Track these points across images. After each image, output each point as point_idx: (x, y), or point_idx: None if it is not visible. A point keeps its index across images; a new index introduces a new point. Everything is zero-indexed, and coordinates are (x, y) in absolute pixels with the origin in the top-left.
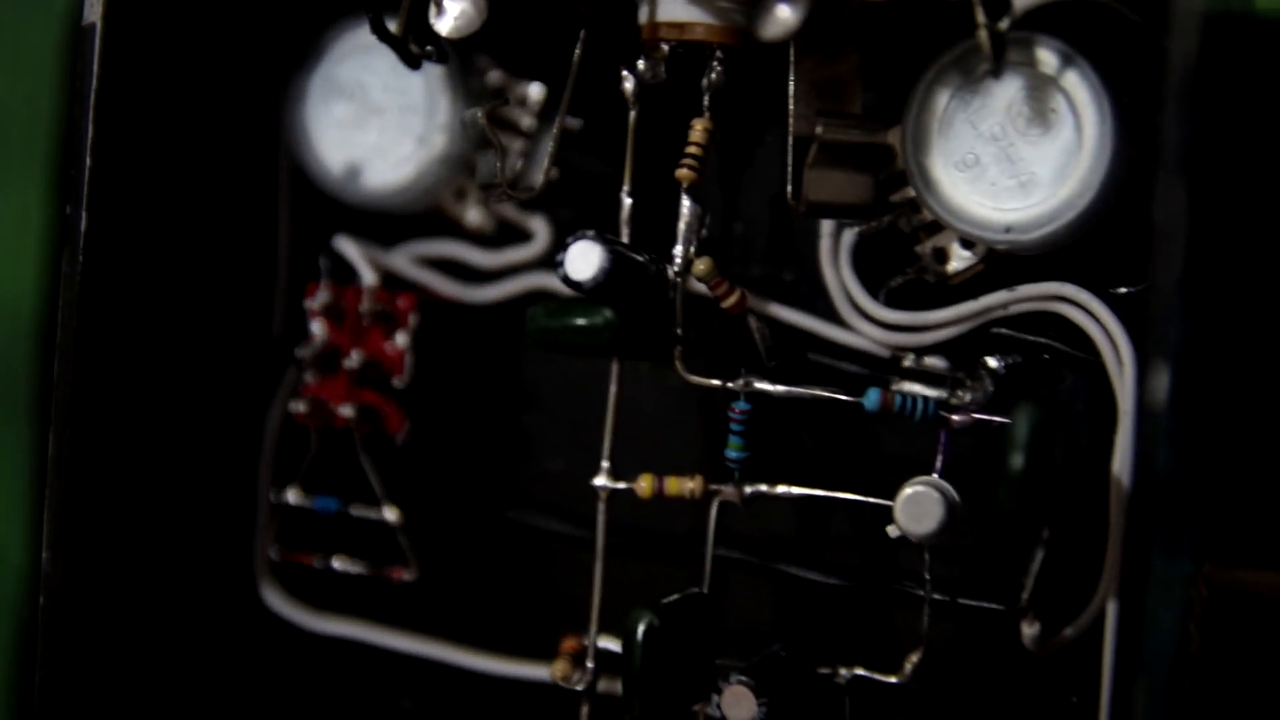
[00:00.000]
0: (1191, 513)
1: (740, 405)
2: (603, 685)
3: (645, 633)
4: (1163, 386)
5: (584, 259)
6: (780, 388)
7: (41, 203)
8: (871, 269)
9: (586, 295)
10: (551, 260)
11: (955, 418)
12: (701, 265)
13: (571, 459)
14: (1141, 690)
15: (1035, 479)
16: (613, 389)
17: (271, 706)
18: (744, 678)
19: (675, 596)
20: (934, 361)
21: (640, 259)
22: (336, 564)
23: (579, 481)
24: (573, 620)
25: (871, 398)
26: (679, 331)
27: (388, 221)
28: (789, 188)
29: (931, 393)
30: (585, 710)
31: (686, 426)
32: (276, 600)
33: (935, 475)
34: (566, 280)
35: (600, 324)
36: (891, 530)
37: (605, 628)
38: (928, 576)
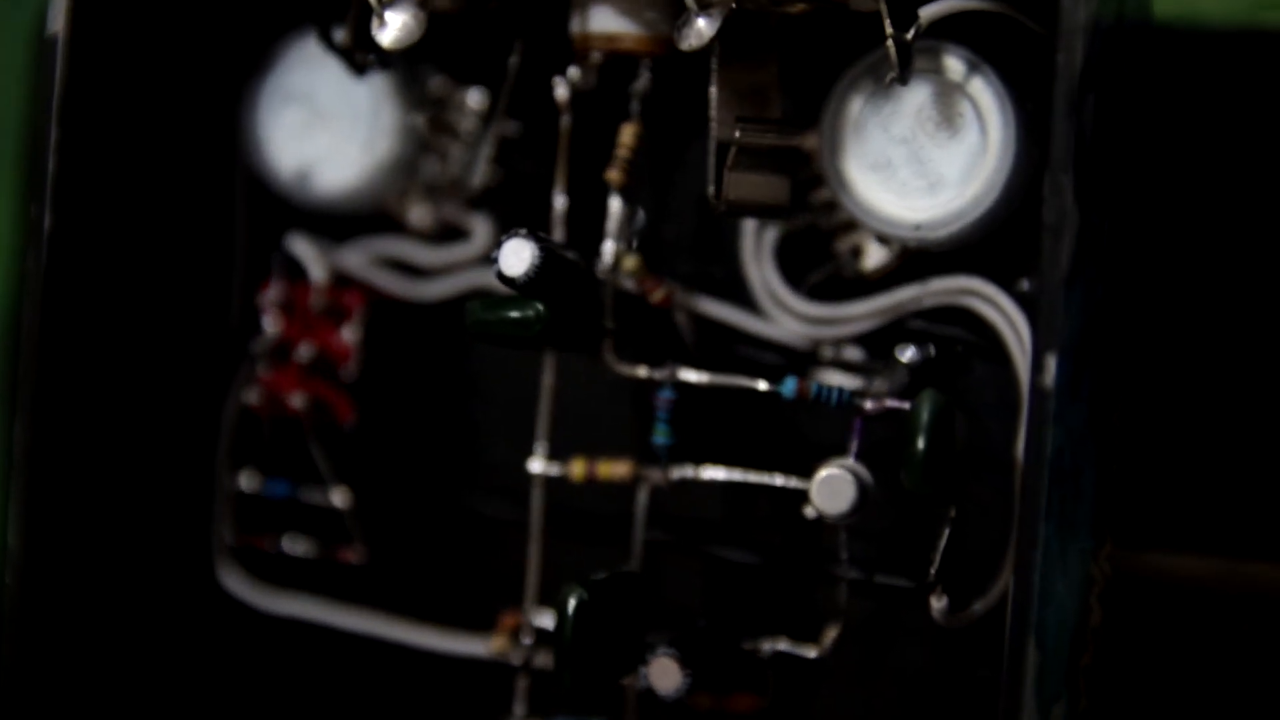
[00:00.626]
0: (1090, 493)
1: (666, 393)
2: (540, 661)
3: (575, 606)
4: (1051, 370)
5: (516, 256)
6: (704, 376)
7: (10, 203)
8: (792, 265)
9: (519, 290)
10: (489, 258)
11: (868, 404)
12: (630, 262)
13: (510, 447)
14: (1031, 655)
15: (936, 461)
16: (546, 379)
17: (228, 684)
18: (670, 650)
19: (605, 574)
20: (851, 353)
21: (570, 256)
22: (288, 546)
23: (518, 468)
24: (512, 598)
25: (788, 386)
26: (608, 325)
27: (338, 221)
28: (710, 188)
29: (848, 382)
30: (522, 684)
31: (617, 415)
32: (233, 581)
33: (849, 459)
34: (500, 276)
35: (532, 317)
36: (808, 511)
37: (542, 605)
38: (844, 555)
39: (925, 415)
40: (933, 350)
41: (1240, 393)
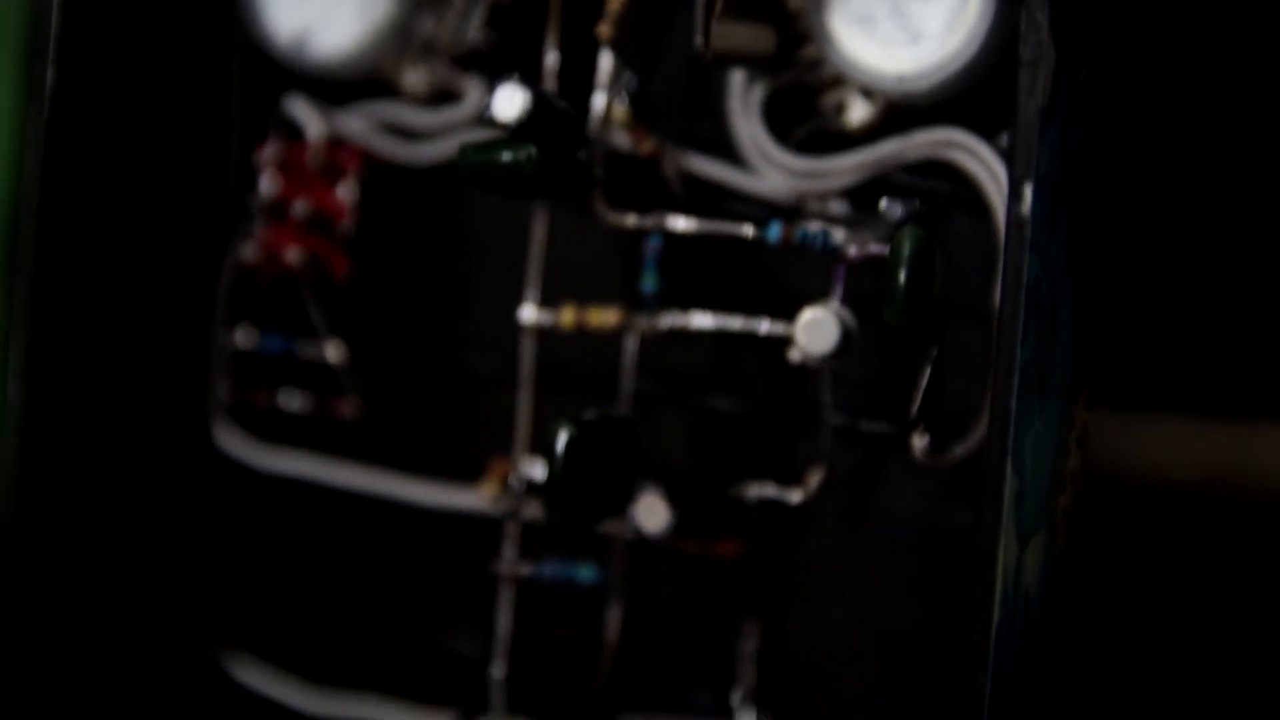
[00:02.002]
0: (1068, 332)
1: (654, 241)
2: (530, 510)
3: (566, 442)
4: (1028, 198)
5: (509, 100)
6: (691, 224)
7: (13, 65)
8: (779, 122)
9: (512, 135)
10: (482, 120)
11: (851, 250)
12: (619, 113)
13: (502, 301)
14: (1009, 479)
15: (917, 293)
16: (537, 230)
17: (224, 541)
18: (657, 489)
19: (594, 415)
20: (836, 206)
21: (561, 105)
22: (283, 401)
23: (509, 322)
24: (503, 450)
25: (774, 231)
26: (598, 174)
27: (333, 86)
28: (698, 38)
29: (833, 232)
30: (512, 530)
31: (606, 266)
32: (229, 439)
33: (833, 302)
34: (492, 121)
35: (524, 159)
36: (793, 354)
37: (531, 455)
38: (828, 400)
39: (906, 249)
40: (917, 204)
41: (1221, 248)
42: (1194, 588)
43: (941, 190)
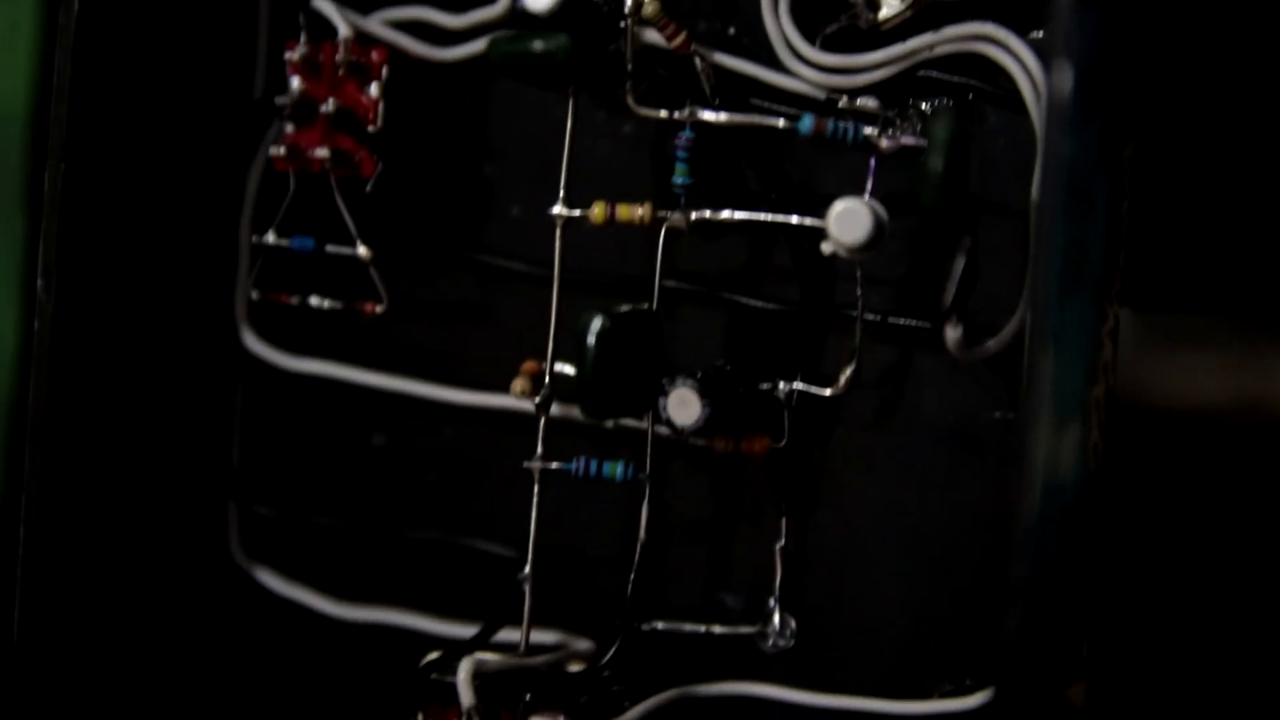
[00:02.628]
0: (1102, 218)
1: (686, 134)
2: (559, 409)
3: (598, 331)
4: (1066, 80)
5: None
6: (722, 116)
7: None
8: (808, 19)
9: (544, 25)
10: (514, 17)
11: (883, 142)
12: (650, 7)
13: (532, 202)
14: (1050, 356)
15: (953, 177)
16: (569, 121)
17: (251, 443)
18: (690, 381)
19: (627, 308)
20: (866, 101)
21: None
22: (312, 301)
23: (539, 223)
24: (533, 351)
25: (805, 123)
26: (629, 67)
27: None
28: None
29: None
30: (542, 425)
31: (637, 163)
32: (255, 342)
33: (865, 196)
34: (524, 14)
35: (556, 48)
36: (826, 247)
37: (562, 354)
38: (859, 292)
39: (943, 133)
40: (948, 101)
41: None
42: (1223, 510)
43: (973, 87)
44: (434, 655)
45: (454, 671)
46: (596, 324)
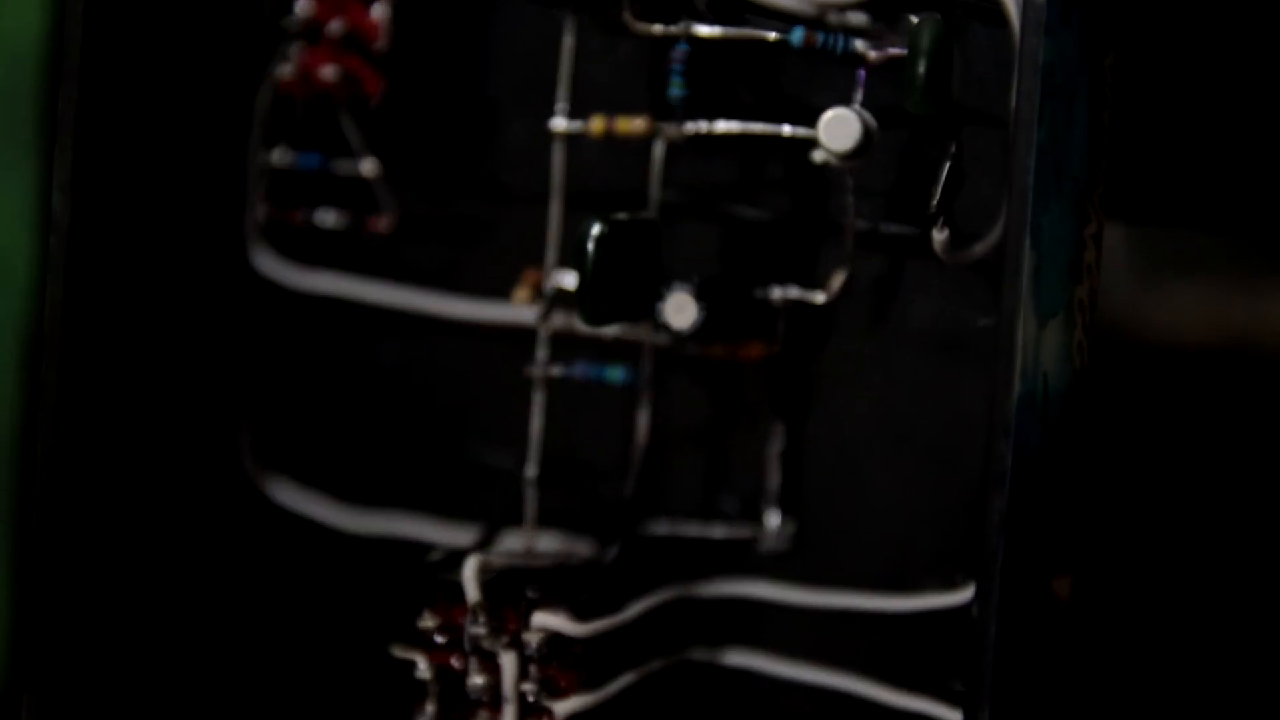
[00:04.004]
0: (1083, 123)
1: (681, 47)
2: (558, 321)
3: (598, 236)
4: None
5: None
6: (716, 30)
7: None
8: None
9: None
10: None
11: (871, 53)
12: None
13: (534, 119)
14: (1027, 252)
15: (936, 81)
16: (566, 41)
17: (259, 362)
18: (687, 286)
19: (626, 216)
20: (856, 17)
21: None
22: (319, 217)
23: (540, 140)
24: (534, 262)
25: (796, 35)
26: None
27: None
28: None
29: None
30: (543, 331)
31: (634, 78)
32: (266, 261)
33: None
34: None
35: None
36: (816, 155)
37: (563, 266)
38: (850, 199)
39: (925, 38)
40: (936, 16)
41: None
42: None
43: (958, 1)
44: (439, 553)
45: (460, 570)
46: (596, 229)
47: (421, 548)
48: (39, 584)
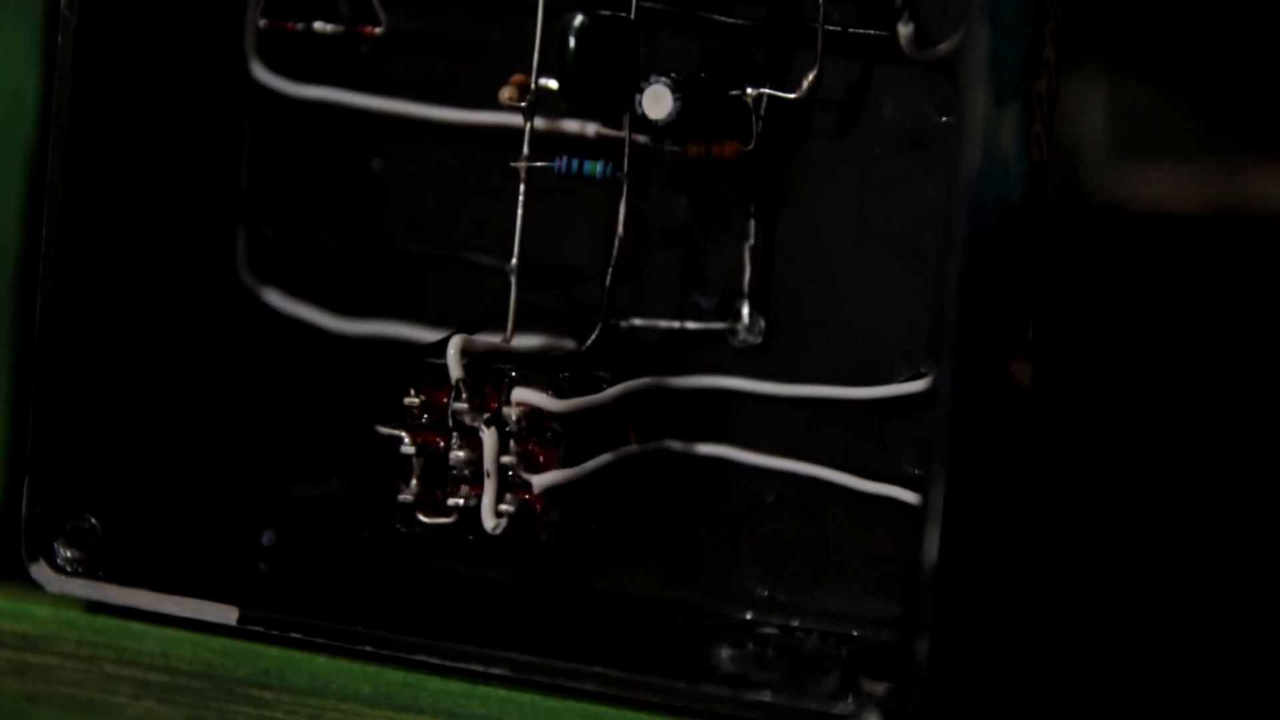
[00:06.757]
0: None
1: None
2: (541, 121)
3: (579, 26)
4: None
5: None
6: None
7: None
8: None
9: None
10: None
11: None
12: None
13: None
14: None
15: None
16: None
17: (257, 169)
18: (663, 79)
19: (606, 14)
20: None
21: None
22: (316, 25)
23: None
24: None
25: None
26: None
27: None
28: None
29: None
30: (528, 129)
31: None
32: (262, 72)
33: None
34: None
35: None
36: None
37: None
38: (821, 1)
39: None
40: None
41: None
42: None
43: None
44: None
45: (444, 354)
46: (578, 19)
47: (411, 349)
48: (42, 385)
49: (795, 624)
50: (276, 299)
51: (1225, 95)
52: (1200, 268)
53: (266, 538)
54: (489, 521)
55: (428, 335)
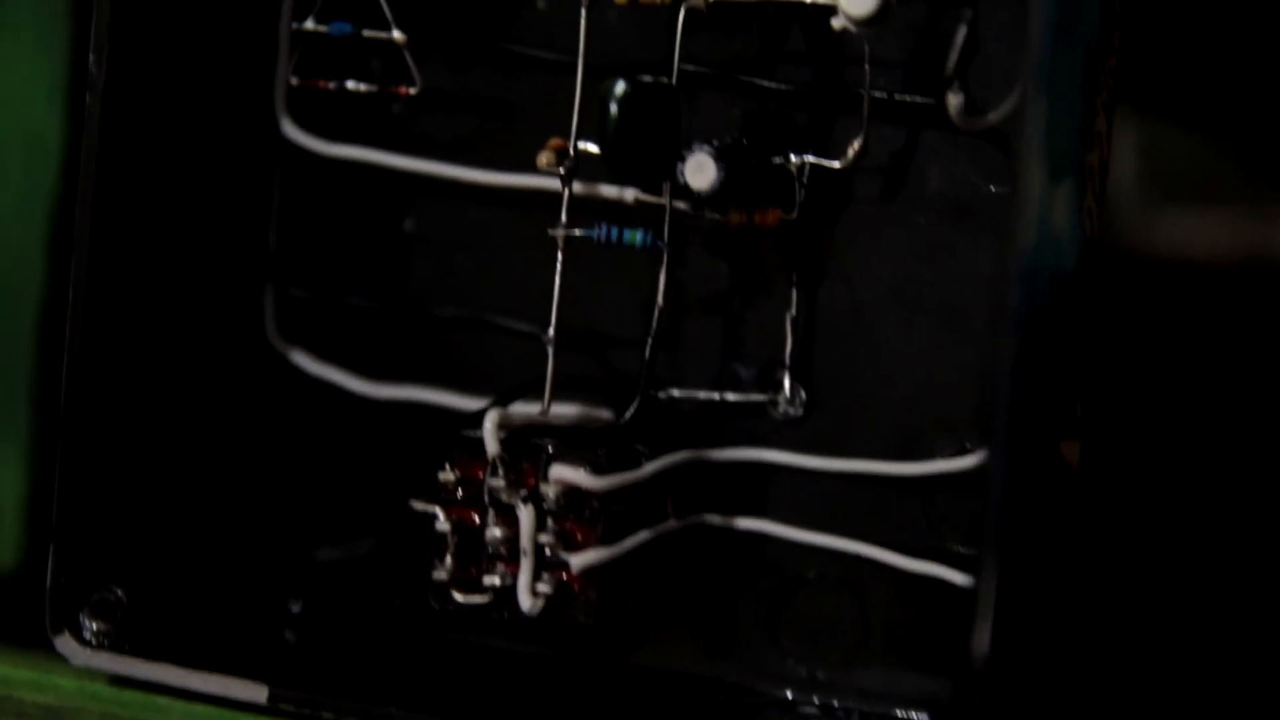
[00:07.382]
0: None
1: None
2: (580, 187)
3: (621, 94)
4: None
5: None
6: None
7: None
8: None
9: None
10: None
11: None
12: None
13: None
14: (1042, 101)
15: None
16: None
17: (286, 228)
18: (707, 148)
19: (648, 79)
20: None
21: None
22: (349, 84)
23: (564, 12)
24: (558, 134)
25: None
26: None
27: None
28: None
29: None
30: (566, 195)
31: None
32: (293, 130)
33: None
34: None
35: None
36: (836, 22)
37: (586, 135)
38: (867, 67)
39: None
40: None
41: None
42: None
43: None
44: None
45: (480, 427)
46: (620, 86)
47: (443, 415)
48: (67, 451)
49: (835, 703)
50: (305, 361)
51: (1259, 142)
52: (1244, 332)
53: (295, 607)
54: (525, 602)
55: (458, 400)
